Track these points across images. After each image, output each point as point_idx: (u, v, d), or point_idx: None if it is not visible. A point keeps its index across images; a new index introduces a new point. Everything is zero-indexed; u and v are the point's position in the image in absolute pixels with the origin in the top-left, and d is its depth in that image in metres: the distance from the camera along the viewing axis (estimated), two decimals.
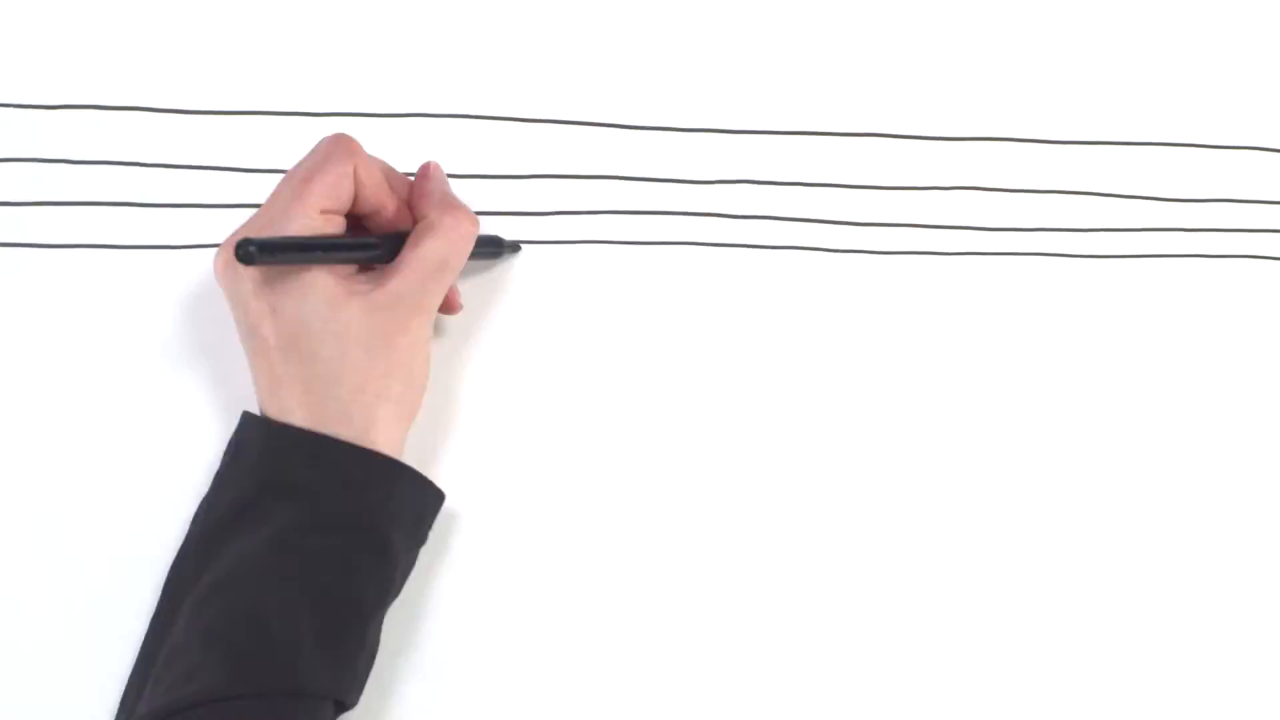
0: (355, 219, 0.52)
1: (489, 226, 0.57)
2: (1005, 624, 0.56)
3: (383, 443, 0.50)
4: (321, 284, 0.49)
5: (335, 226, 0.50)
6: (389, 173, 0.53)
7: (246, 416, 0.52)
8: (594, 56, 0.59)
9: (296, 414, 0.50)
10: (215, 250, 0.51)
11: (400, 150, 0.57)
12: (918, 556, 0.56)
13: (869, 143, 0.59)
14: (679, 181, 0.59)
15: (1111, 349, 0.59)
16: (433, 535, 0.53)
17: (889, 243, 0.59)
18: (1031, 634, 0.56)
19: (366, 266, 0.52)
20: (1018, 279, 0.59)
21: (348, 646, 0.49)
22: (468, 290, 0.57)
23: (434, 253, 0.50)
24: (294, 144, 0.57)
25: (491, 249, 0.56)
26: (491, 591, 0.55)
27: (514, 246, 0.57)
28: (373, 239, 0.52)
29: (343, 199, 0.50)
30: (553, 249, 0.58)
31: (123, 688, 0.51)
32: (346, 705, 0.50)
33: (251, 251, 0.46)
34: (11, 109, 0.57)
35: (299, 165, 0.51)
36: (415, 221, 0.52)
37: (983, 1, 0.60)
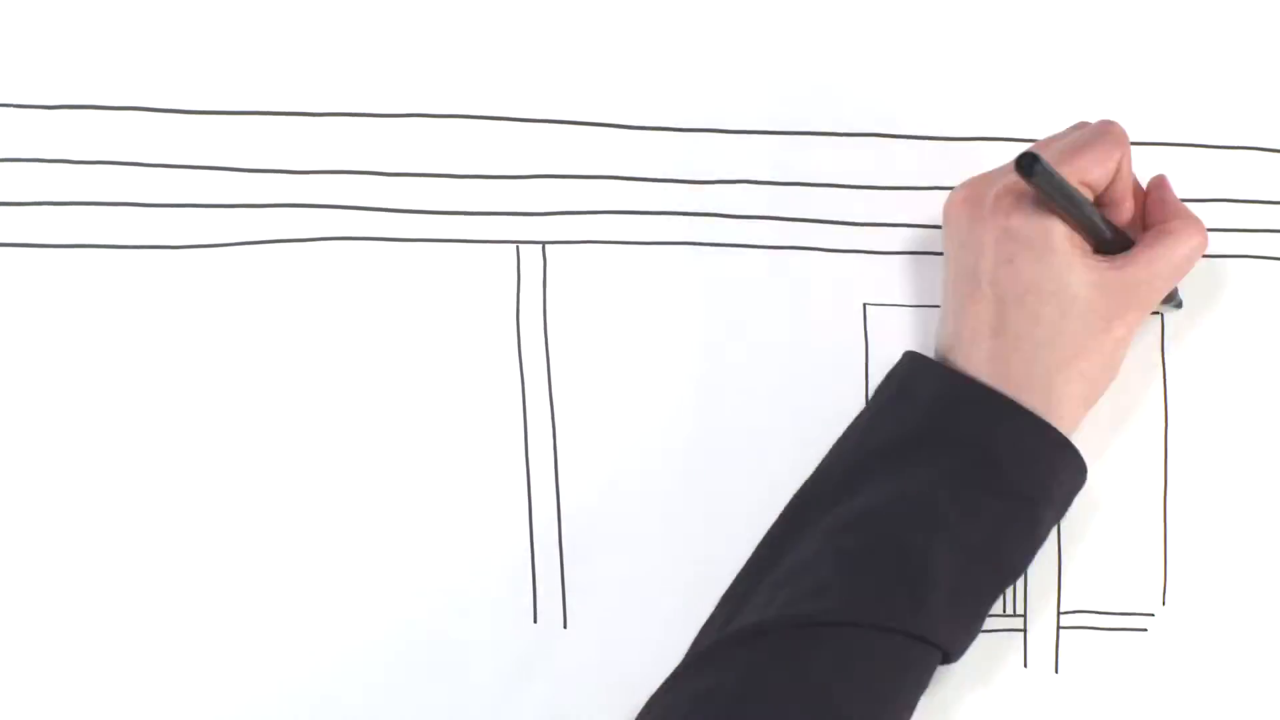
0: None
1: (490, 227, 0.57)
2: None
3: (1064, 420, 0.51)
4: (1063, 248, 0.50)
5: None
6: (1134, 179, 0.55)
7: (915, 357, 0.54)
8: (594, 56, 0.59)
9: (984, 368, 0.51)
10: (944, 192, 0.54)
11: (400, 150, 0.57)
12: None
13: (869, 143, 0.59)
14: (679, 181, 0.59)
15: None
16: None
17: (889, 243, 0.59)
18: None
19: (1096, 250, 0.52)
20: None
21: (976, 607, 0.51)
22: (457, 292, 0.57)
23: (1174, 254, 0.52)
24: (294, 144, 0.57)
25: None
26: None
27: (1178, 302, 0.57)
28: (1112, 225, 0.53)
29: (1102, 179, 0.51)
30: (552, 249, 0.58)
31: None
32: (950, 659, 0.51)
33: (1036, 167, 0.47)
34: (11, 109, 0.57)
35: (1061, 137, 0.53)
36: (1145, 226, 0.54)
37: (982, 1, 0.60)
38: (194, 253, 0.57)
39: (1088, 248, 0.52)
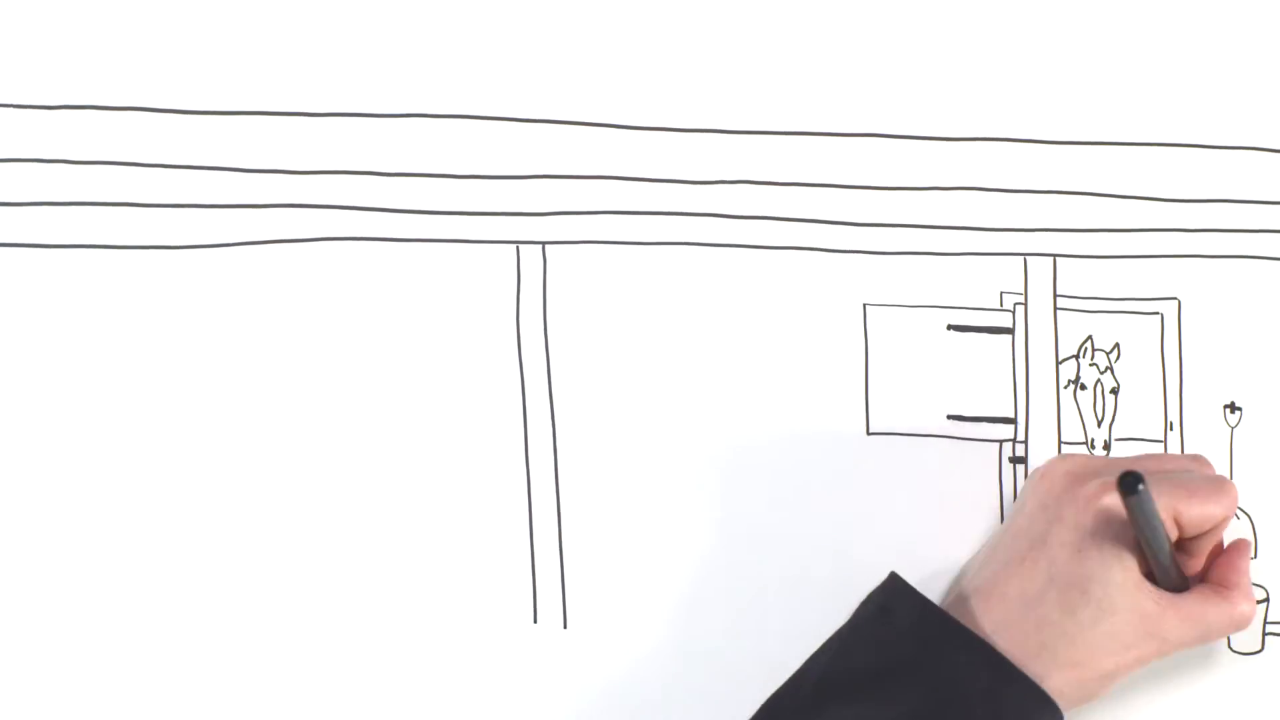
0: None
1: (490, 227, 0.57)
2: None
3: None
4: (1128, 566, 0.50)
5: (1171, 535, 0.51)
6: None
7: (897, 581, 0.53)
8: (594, 56, 0.59)
9: (995, 626, 0.51)
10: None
11: (400, 150, 0.57)
12: None
13: (869, 143, 0.59)
14: (679, 181, 0.58)
15: (1111, 348, 0.59)
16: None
17: (889, 243, 0.59)
18: None
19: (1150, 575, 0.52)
20: (1017, 279, 0.59)
21: None
22: (456, 292, 0.57)
23: (1217, 621, 0.52)
24: (294, 144, 0.57)
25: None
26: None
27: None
28: (1179, 568, 0.52)
29: (1196, 529, 0.52)
30: (552, 249, 0.58)
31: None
32: None
33: (1139, 490, 0.46)
34: (11, 109, 0.57)
35: (1176, 461, 0.55)
36: (1205, 574, 0.54)
37: (983, 1, 0.60)
38: (194, 253, 0.57)
39: (1144, 572, 0.52)
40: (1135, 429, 0.59)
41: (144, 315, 0.56)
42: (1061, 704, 0.50)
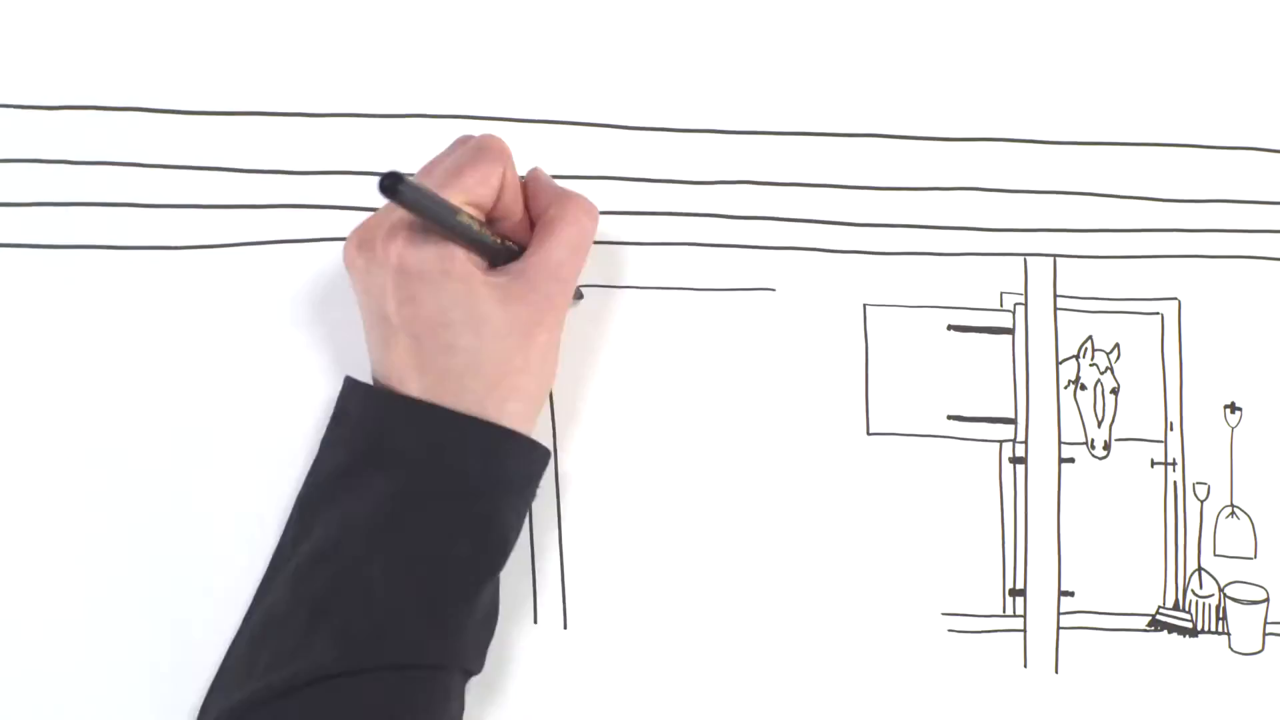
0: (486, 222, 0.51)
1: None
2: None
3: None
4: (461, 273, 0.48)
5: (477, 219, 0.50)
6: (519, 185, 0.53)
7: (349, 382, 0.52)
8: (594, 56, 0.59)
9: (415, 393, 0.49)
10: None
11: (400, 150, 0.57)
12: None
13: (869, 143, 0.59)
14: (679, 181, 0.59)
15: (1111, 348, 0.59)
16: None
17: (889, 243, 0.59)
18: None
19: (494, 264, 0.51)
20: (1017, 279, 0.59)
21: (457, 615, 0.49)
22: None
23: (560, 241, 0.50)
24: (294, 144, 0.57)
25: None
26: None
27: (578, 293, 0.56)
28: (503, 235, 0.51)
29: (488, 196, 0.50)
30: None
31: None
32: (471, 671, 0.50)
33: (400, 187, 0.43)
34: (11, 109, 0.57)
35: (445, 157, 0.51)
36: (533, 222, 0.52)
37: (983, 1, 0.60)
38: (194, 253, 0.57)
39: (485, 265, 0.50)
40: (1135, 429, 0.59)
41: (144, 315, 0.56)
42: (524, 424, 0.50)
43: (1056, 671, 0.57)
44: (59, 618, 0.54)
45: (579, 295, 0.57)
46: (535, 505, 0.56)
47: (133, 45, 0.58)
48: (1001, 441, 0.58)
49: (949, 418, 0.58)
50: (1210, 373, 0.59)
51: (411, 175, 0.46)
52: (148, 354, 0.56)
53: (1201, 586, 0.58)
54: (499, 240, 0.50)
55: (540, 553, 0.56)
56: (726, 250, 0.58)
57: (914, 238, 0.59)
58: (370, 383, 0.51)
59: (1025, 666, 0.57)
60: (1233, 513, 0.58)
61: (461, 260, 0.48)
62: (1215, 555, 0.58)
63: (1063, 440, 0.58)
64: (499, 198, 0.50)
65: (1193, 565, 0.58)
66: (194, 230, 0.57)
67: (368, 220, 0.50)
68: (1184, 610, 0.58)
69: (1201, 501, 0.58)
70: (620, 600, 0.56)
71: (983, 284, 0.59)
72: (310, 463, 0.52)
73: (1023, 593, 0.57)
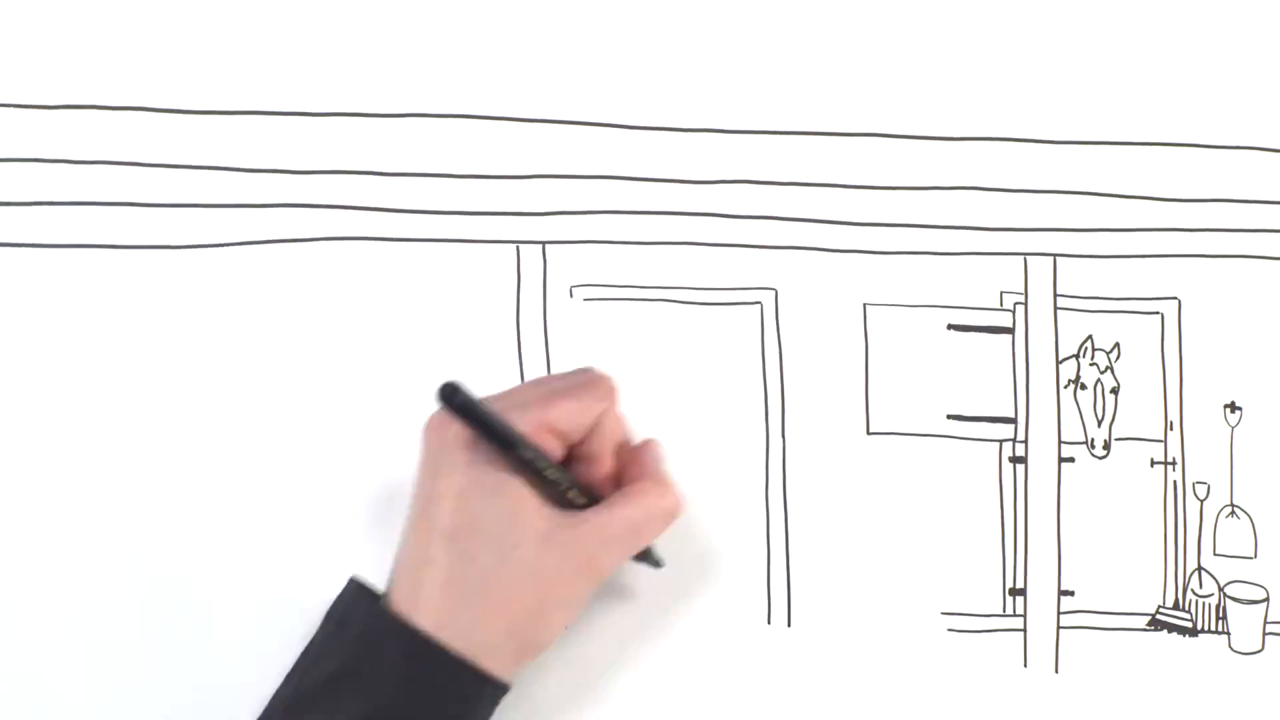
0: (569, 457, 0.51)
1: (490, 227, 0.57)
2: None
3: (491, 666, 0.48)
4: (517, 494, 0.47)
5: (554, 450, 0.49)
6: (623, 437, 0.52)
7: (355, 587, 0.50)
8: (594, 56, 0.59)
9: (422, 609, 0.47)
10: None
11: (400, 150, 0.57)
12: None
13: (869, 143, 0.59)
14: (679, 181, 0.59)
15: (1111, 348, 0.59)
16: None
17: (889, 243, 0.59)
18: None
19: (555, 504, 0.49)
20: (1017, 279, 0.59)
21: None
22: (457, 292, 0.57)
23: (632, 518, 0.49)
24: (294, 144, 0.57)
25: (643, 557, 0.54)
26: None
27: (655, 561, 0.54)
28: (573, 479, 0.49)
29: (576, 431, 0.49)
30: (552, 249, 0.58)
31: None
32: None
33: (453, 395, 0.42)
34: (11, 109, 0.57)
35: (556, 378, 0.51)
36: (621, 483, 0.51)
37: (983, 1, 0.60)
38: (194, 253, 0.57)
39: (546, 501, 0.48)
40: (1135, 429, 0.59)
41: (144, 315, 0.56)
42: (496, 662, 0.47)
43: (1056, 671, 0.57)
44: (59, 618, 0.54)
45: (658, 563, 0.54)
46: None
47: (133, 45, 0.58)
48: (1001, 441, 0.58)
49: (949, 417, 0.58)
50: (1210, 372, 0.59)
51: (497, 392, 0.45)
52: (148, 354, 0.56)
53: (1201, 586, 0.58)
54: (565, 487, 0.49)
55: None
56: (727, 250, 0.58)
57: (914, 237, 0.59)
58: (371, 585, 0.50)
59: (1025, 666, 0.57)
60: (1233, 512, 0.58)
61: (520, 483, 0.47)
62: (1215, 555, 0.58)
63: (1063, 440, 0.58)
64: (589, 437, 0.49)
65: (1193, 565, 0.58)
66: (194, 230, 0.57)
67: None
68: (1184, 610, 0.58)
69: (1201, 501, 0.58)
70: (620, 600, 0.56)
71: (983, 283, 0.59)
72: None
73: (1023, 592, 0.57)
